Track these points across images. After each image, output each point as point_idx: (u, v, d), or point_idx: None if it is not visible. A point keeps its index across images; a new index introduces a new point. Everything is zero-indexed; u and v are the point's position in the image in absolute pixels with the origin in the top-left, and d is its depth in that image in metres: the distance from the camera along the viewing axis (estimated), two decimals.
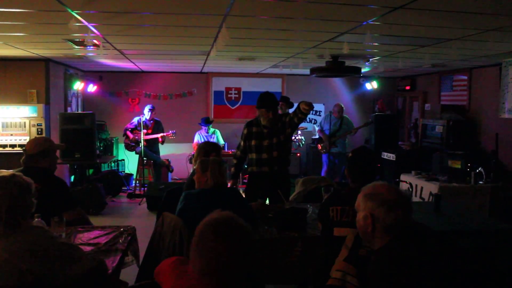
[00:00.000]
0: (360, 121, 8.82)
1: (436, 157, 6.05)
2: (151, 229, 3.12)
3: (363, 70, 7.04)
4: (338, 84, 9.35)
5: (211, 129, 8.05)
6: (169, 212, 2.95)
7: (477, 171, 5.37)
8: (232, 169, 4.53)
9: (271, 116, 4.20)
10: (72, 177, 7.48)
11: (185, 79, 8.93)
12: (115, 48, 5.31)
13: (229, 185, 4.26)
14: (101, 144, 7.90)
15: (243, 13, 3.37)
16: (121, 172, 8.45)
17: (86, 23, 3.71)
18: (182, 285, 1.58)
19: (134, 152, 7.72)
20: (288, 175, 4.39)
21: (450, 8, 3.08)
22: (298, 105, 3.92)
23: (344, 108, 7.83)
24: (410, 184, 5.58)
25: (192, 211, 2.79)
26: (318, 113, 9.23)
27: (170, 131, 7.62)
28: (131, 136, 7.61)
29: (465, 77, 7.13)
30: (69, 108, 7.66)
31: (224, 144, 8.20)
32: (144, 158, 7.58)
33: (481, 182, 5.35)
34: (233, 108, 9.22)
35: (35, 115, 6.38)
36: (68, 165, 7.11)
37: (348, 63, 6.05)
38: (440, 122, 6.84)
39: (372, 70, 7.73)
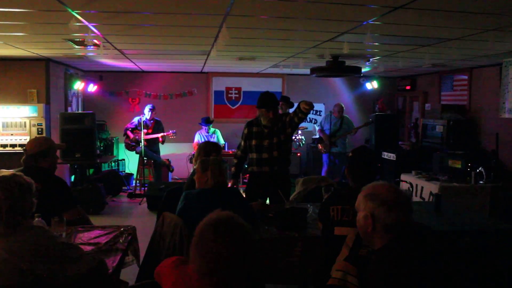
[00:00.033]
0: (360, 121, 8.82)
1: (437, 157, 6.05)
2: (151, 229, 3.12)
3: (363, 70, 7.03)
4: (338, 84, 9.34)
5: (212, 129, 8.05)
6: (170, 212, 2.95)
7: (478, 171, 5.37)
8: (233, 168, 4.54)
9: (272, 116, 4.20)
10: (73, 177, 7.48)
11: (186, 79, 8.93)
12: (116, 48, 5.31)
13: (229, 184, 4.26)
14: (102, 144, 7.90)
15: (243, 13, 3.37)
16: (122, 172, 8.45)
17: (87, 23, 3.71)
18: (182, 285, 1.58)
19: (134, 152, 7.73)
20: (288, 175, 4.38)
21: (450, 7, 3.08)
22: (299, 105, 3.92)
23: (344, 108, 7.83)
24: (411, 184, 5.58)
25: (193, 211, 2.79)
26: (318, 113, 9.23)
27: (171, 131, 7.62)
28: (131, 135, 7.61)
29: (466, 77, 7.12)
30: (69, 108, 7.66)
31: (225, 144, 8.20)
32: (145, 158, 7.58)
33: (481, 182, 5.35)
34: (233, 108, 9.22)
35: (35, 115, 6.39)
36: (69, 165, 7.10)
37: (349, 63, 6.05)
38: (440, 122, 6.84)
39: (373, 70, 7.73)
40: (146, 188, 7.36)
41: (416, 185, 5.70)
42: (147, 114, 7.62)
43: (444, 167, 5.75)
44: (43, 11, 3.36)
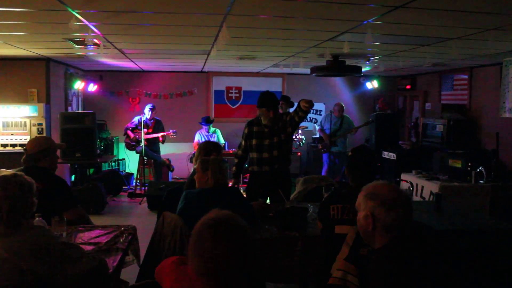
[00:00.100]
0: (360, 120, 8.82)
1: (437, 156, 6.05)
2: (151, 229, 3.12)
3: (363, 69, 7.03)
4: (338, 83, 9.34)
5: (212, 129, 8.05)
6: (170, 212, 2.95)
7: (478, 170, 5.37)
8: (234, 168, 4.53)
9: (272, 115, 4.20)
10: (73, 177, 7.48)
11: (186, 79, 8.93)
12: (116, 48, 5.31)
13: (230, 184, 4.26)
14: (102, 144, 7.90)
15: (243, 13, 3.37)
16: (122, 171, 8.46)
17: (87, 23, 3.71)
18: (183, 285, 1.58)
19: (134, 151, 7.73)
20: (288, 174, 4.39)
21: (450, 7, 3.08)
22: (299, 103, 3.92)
23: (344, 107, 7.83)
24: (411, 183, 5.58)
25: (193, 210, 2.79)
26: (318, 112, 9.22)
27: (171, 131, 7.62)
28: (131, 135, 7.61)
29: (466, 76, 7.12)
30: (69, 108, 7.66)
31: (225, 144, 8.20)
32: (145, 158, 7.59)
33: (481, 182, 5.35)
34: (233, 107, 9.22)
35: (35, 114, 6.39)
36: (69, 164, 7.11)
37: (349, 62, 6.05)
38: (440, 121, 6.84)
39: (373, 69, 7.73)
40: (146, 188, 7.36)
41: (416, 184, 5.70)
42: (147, 113, 7.62)
43: (445, 167, 5.75)
44: (43, 11, 3.36)
